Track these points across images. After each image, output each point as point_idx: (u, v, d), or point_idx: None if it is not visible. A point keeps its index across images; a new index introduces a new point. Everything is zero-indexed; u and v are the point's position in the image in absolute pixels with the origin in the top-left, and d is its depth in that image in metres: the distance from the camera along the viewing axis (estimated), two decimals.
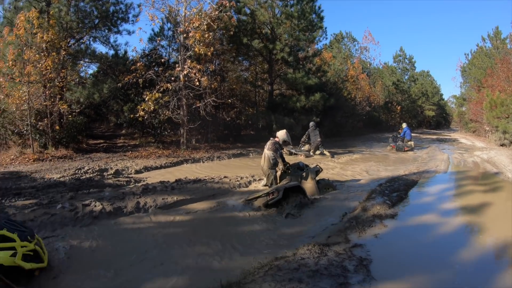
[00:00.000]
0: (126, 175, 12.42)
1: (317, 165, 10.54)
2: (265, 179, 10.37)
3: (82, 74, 22.25)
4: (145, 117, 17.47)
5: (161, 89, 17.43)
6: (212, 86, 18.51)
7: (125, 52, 21.92)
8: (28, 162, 15.11)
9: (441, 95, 73.19)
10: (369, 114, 40.30)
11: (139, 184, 10.21)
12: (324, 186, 10.03)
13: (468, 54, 42.81)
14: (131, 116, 18.43)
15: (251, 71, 27.55)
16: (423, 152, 20.81)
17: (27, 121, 16.70)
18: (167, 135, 20.65)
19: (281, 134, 10.40)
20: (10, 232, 4.70)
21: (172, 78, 17.99)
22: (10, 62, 16.49)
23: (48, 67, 16.52)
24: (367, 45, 54.18)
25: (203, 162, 15.64)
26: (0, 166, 14.59)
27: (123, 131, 23.50)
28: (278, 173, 10.11)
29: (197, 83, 17.38)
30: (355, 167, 14.13)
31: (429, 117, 62.79)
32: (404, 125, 23.86)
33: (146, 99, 17.06)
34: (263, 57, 24.65)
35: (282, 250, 5.93)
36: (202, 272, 5.31)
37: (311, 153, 17.96)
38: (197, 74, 17.08)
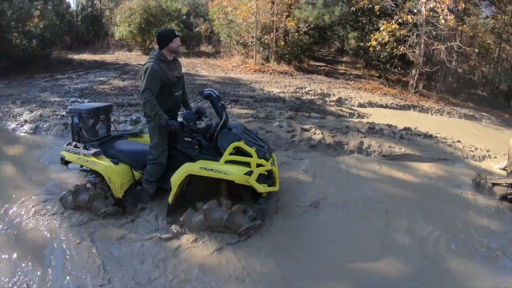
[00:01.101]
0: (349, 106, 11.34)
1: None
2: (505, 161, 8.18)
3: None
4: (377, 48, 15.79)
5: (399, 20, 15.19)
6: (459, 28, 15.56)
7: None
8: (248, 71, 15.25)
9: None
10: None
11: (364, 121, 8.93)
12: None
13: None
14: (361, 44, 16.99)
15: (498, 19, 23.10)
16: None
17: (252, 33, 16.86)
18: (394, 72, 18.63)
19: None
20: (248, 145, 4.21)
21: (415, 10, 15.51)
22: None
23: None
24: None
25: (431, 114, 13.41)
26: (222, 71, 14.84)
27: (344, 59, 22.32)
28: None
29: (442, 21, 14.54)
30: None
31: None
32: None
33: (381, 28, 15.10)
34: None
35: None
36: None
37: None
38: (444, 11, 14.46)
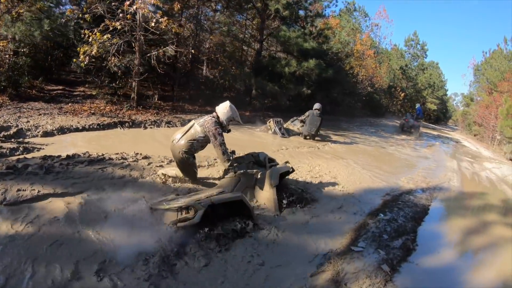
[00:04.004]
0: (29, 137, 9.32)
1: (287, 162, 7.05)
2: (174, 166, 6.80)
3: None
4: (86, 62, 13.66)
5: (110, 28, 13.63)
6: (173, 30, 14.66)
7: None
8: None
9: (446, 90, 69.50)
10: (370, 96, 36.78)
11: (14, 158, 7.00)
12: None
13: (486, 53, 37.77)
14: (74, 60, 14.69)
15: (242, 25, 24.26)
16: (426, 150, 17.52)
17: None
18: (118, 87, 16.81)
19: (223, 109, 6.61)
20: None
21: (128, 16, 13.87)
22: None
23: None
24: (379, 22, 50.33)
25: (145, 127, 12.53)
26: None
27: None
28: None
29: (152, 24, 13.68)
30: (341, 163, 10.43)
31: (430, 111, 59.52)
32: (417, 105, 26.03)
33: (90, 40, 13.41)
34: (256, 9, 21.27)
35: None
36: None
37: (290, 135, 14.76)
38: (151, 14, 13.57)
